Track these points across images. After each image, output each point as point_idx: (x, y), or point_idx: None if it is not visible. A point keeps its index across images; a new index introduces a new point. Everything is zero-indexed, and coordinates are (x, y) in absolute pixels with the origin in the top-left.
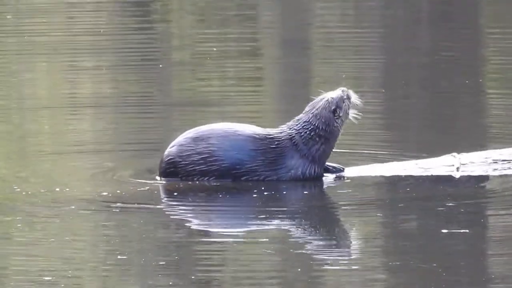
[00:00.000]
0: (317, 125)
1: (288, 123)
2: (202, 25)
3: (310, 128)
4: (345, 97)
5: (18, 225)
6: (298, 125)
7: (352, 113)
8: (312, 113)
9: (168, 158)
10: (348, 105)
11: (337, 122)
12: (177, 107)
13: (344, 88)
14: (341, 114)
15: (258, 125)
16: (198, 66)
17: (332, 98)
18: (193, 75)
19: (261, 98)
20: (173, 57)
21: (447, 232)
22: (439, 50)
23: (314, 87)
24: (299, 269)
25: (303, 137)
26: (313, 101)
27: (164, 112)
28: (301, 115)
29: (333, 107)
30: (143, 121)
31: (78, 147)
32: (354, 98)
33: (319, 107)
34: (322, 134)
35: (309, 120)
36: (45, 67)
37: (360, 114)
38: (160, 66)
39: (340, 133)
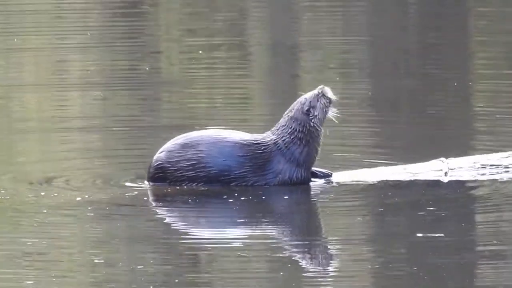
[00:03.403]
0: (294, 128)
1: (272, 128)
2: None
3: (288, 132)
4: (320, 95)
5: None
6: (279, 130)
7: (331, 111)
8: (289, 116)
9: (156, 164)
10: (325, 103)
11: (313, 122)
12: (165, 87)
13: (321, 86)
14: (316, 113)
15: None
16: (186, 47)
17: (305, 98)
18: (181, 55)
19: (248, 84)
20: (161, 35)
21: (425, 236)
22: (427, 33)
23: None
24: (281, 273)
25: (284, 141)
26: (292, 104)
27: (153, 92)
28: (281, 119)
29: (306, 108)
30: (132, 101)
31: (64, 132)
32: (330, 94)
33: (294, 109)
34: (301, 136)
35: (286, 124)
36: (33, 45)
37: (338, 112)
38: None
39: (321, 133)
